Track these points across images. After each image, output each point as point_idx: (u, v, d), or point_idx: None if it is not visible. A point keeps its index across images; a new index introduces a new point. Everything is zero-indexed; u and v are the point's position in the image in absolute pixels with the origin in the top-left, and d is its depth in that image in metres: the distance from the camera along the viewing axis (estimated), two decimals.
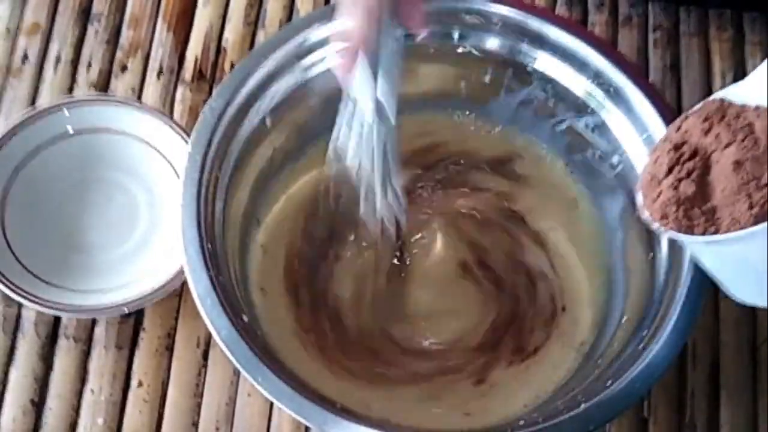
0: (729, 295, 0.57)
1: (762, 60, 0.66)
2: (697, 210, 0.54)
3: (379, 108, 0.62)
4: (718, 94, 0.57)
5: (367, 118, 0.62)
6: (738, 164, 0.53)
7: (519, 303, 0.70)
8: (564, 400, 0.61)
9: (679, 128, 0.57)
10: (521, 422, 0.59)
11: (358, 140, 0.64)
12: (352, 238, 0.70)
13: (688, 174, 0.55)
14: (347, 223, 0.70)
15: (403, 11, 0.61)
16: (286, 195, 0.73)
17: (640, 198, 0.58)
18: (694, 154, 0.55)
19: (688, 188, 0.55)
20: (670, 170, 0.56)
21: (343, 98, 0.64)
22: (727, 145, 0.54)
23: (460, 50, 0.70)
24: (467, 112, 0.75)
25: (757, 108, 0.54)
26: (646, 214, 0.57)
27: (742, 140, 0.54)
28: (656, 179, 0.56)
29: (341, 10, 0.61)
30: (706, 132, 0.55)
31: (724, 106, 0.56)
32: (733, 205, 0.53)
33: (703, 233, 0.54)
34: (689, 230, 0.54)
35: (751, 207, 0.52)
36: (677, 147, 0.56)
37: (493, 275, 0.71)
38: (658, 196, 0.56)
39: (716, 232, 0.53)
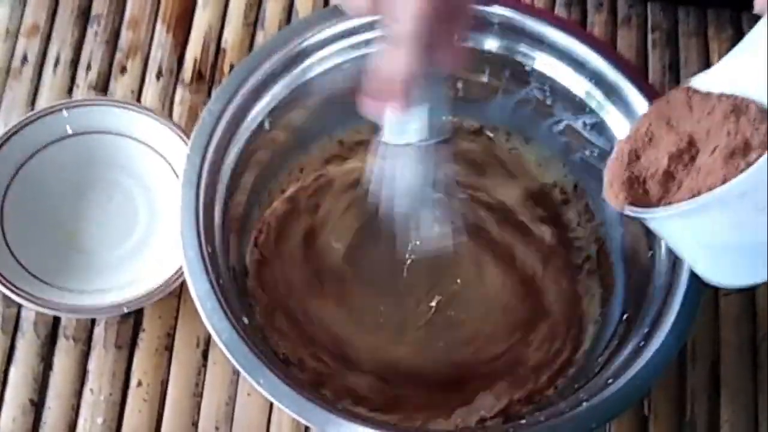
0: (706, 280, 0.57)
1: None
2: (656, 184, 0.54)
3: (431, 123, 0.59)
4: (684, 83, 0.57)
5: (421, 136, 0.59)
6: (690, 143, 0.54)
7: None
8: (565, 399, 0.61)
9: (645, 115, 0.58)
10: (522, 422, 0.59)
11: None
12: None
13: (647, 152, 0.56)
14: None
15: (437, 55, 0.54)
16: (286, 197, 0.72)
17: (605, 179, 0.57)
18: (652, 136, 0.56)
19: (647, 165, 0.55)
20: (633, 151, 0.57)
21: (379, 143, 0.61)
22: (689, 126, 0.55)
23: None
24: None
25: (720, 95, 0.55)
26: (607, 194, 0.57)
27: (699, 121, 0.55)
28: (620, 160, 0.57)
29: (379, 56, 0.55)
30: (668, 119, 0.56)
31: (689, 93, 0.56)
32: (692, 177, 0.53)
33: (658, 204, 0.54)
34: (647, 204, 0.54)
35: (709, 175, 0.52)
36: (638, 130, 0.57)
37: None
38: (620, 175, 0.56)
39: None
